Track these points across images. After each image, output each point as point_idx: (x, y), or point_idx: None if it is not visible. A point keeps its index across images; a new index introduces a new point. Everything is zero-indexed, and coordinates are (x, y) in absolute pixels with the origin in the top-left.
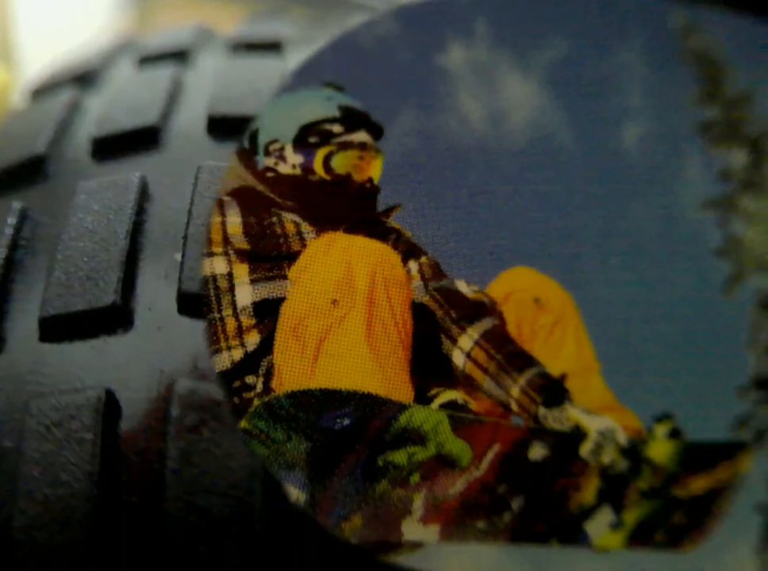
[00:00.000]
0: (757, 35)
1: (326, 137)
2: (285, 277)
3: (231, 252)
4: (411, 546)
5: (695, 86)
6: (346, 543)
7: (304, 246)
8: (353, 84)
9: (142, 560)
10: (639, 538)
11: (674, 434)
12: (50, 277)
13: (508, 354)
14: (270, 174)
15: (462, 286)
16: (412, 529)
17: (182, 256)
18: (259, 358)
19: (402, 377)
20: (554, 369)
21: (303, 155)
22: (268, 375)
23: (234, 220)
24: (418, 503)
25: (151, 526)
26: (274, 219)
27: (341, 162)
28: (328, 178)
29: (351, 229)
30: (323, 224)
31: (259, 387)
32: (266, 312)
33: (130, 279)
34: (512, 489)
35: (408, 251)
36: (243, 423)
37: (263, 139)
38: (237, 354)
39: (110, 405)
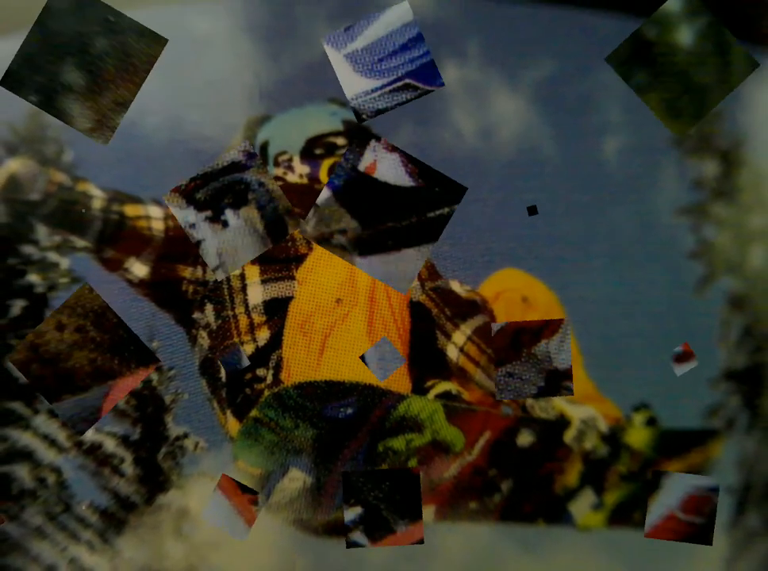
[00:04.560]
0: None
1: (331, 149)
2: (293, 278)
3: None
4: None
5: None
6: None
7: (310, 249)
8: None
9: None
10: (619, 517)
11: (651, 422)
12: None
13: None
14: (279, 183)
15: (456, 286)
16: None
17: None
18: (269, 352)
19: (401, 370)
20: None
21: (309, 166)
22: (277, 368)
23: None
24: None
25: None
26: None
27: None
28: None
29: None
30: None
31: (269, 379)
32: (276, 309)
33: None
34: (501, 473)
35: None
36: (254, 412)
37: (272, 151)
38: (249, 348)
39: None
